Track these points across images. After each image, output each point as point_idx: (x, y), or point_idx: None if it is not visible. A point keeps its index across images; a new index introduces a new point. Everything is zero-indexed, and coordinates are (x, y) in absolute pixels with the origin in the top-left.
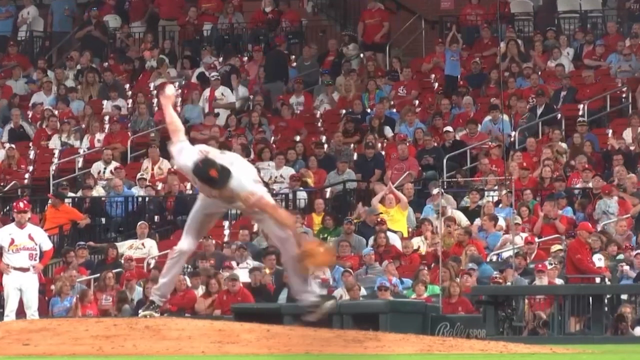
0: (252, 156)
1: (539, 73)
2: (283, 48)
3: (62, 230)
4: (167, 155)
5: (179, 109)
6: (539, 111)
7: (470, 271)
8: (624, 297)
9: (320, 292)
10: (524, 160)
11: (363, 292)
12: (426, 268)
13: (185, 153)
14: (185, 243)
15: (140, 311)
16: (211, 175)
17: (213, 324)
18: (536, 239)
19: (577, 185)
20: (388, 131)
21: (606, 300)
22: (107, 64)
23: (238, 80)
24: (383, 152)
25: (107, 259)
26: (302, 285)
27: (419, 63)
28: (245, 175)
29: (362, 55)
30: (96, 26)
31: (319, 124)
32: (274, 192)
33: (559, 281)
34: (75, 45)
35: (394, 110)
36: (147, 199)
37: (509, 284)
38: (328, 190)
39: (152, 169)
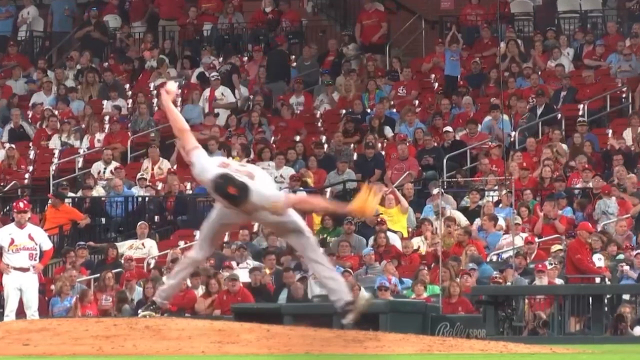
0: (252, 156)
1: (539, 73)
2: (284, 48)
3: (62, 230)
4: (167, 155)
5: (178, 108)
6: (539, 111)
7: (471, 271)
8: (626, 297)
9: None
10: (524, 160)
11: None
12: (426, 268)
13: (204, 164)
14: (200, 252)
15: (140, 311)
16: (230, 193)
17: (213, 324)
18: (536, 239)
19: (577, 185)
20: (388, 131)
21: (606, 300)
22: (107, 64)
23: (239, 79)
24: (383, 152)
25: (107, 259)
26: (337, 286)
27: (419, 63)
28: (265, 187)
29: (361, 55)
30: (95, 26)
31: (319, 124)
32: None
33: (559, 281)
34: (75, 45)
35: (394, 110)
36: (147, 199)
37: (509, 284)
38: (328, 190)
39: (152, 169)
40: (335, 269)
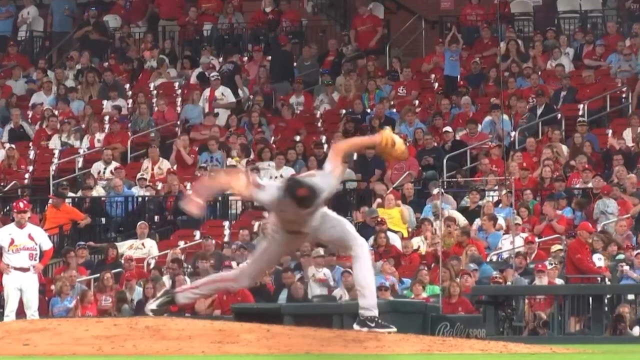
0: (252, 156)
1: (539, 73)
2: (288, 48)
3: (62, 230)
4: (167, 155)
5: (179, 109)
6: (539, 111)
7: (472, 272)
8: (631, 297)
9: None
10: (524, 160)
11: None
12: (426, 268)
13: (267, 187)
14: (246, 281)
15: (151, 302)
16: (300, 194)
17: (213, 324)
18: (536, 239)
19: (577, 186)
20: None
21: (606, 300)
22: (107, 64)
23: (242, 79)
24: None
25: (107, 259)
26: (370, 295)
27: (419, 63)
28: (323, 178)
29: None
30: (94, 26)
31: (319, 124)
32: None
33: (559, 281)
34: (75, 45)
35: (394, 110)
36: (147, 199)
37: (509, 284)
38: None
39: (152, 169)
40: (374, 278)
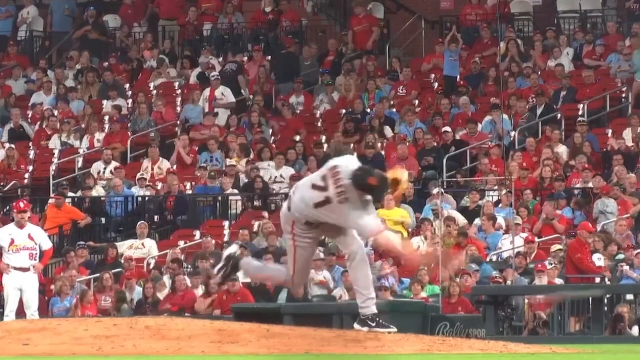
0: (252, 156)
1: (539, 73)
2: (292, 49)
3: (62, 230)
4: (167, 155)
5: (179, 109)
6: (539, 111)
7: (473, 273)
8: (630, 297)
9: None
10: (524, 160)
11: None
12: (426, 268)
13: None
14: (300, 280)
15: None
16: (370, 184)
17: (213, 324)
18: (536, 239)
19: (577, 185)
20: (388, 131)
21: (606, 300)
22: (107, 64)
23: (245, 80)
24: (383, 152)
25: (107, 259)
26: (369, 293)
27: (418, 63)
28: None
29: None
30: (94, 26)
31: (319, 124)
32: (274, 192)
33: (559, 281)
34: (75, 45)
35: (394, 110)
36: (147, 199)
37: (509, 284)
38: None
39: (152, 169)
40: (371, 276)
